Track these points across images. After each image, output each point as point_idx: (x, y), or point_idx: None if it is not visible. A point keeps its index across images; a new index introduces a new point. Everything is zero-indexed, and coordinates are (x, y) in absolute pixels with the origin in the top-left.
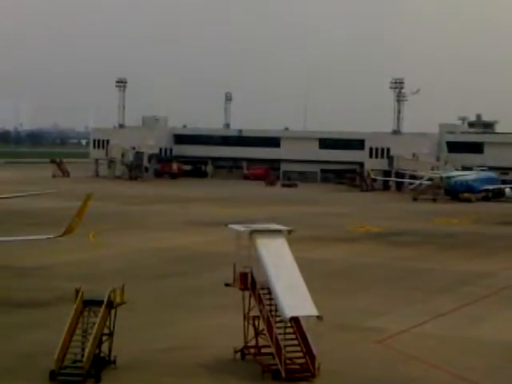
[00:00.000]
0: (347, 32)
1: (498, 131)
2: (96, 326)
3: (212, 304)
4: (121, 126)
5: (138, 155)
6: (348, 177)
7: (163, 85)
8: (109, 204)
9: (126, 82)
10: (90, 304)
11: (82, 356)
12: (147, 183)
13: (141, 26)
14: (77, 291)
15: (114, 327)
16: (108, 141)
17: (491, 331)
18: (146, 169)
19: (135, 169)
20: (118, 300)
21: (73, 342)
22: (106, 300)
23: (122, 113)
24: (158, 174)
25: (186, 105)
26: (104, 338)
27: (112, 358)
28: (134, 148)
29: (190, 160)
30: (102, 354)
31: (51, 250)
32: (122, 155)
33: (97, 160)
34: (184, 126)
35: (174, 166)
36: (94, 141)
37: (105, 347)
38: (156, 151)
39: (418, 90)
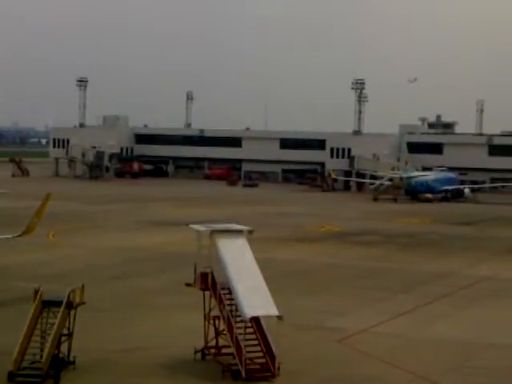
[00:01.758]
0: (309, 32)
1: (457, 132)
2: (55, 326)
3: (173, 304)
4: (81, 125)
5: (99, 155)
6: (309, 177)
7: (125, 84)
8: (69, 204)
9: (86, 81)
10: (49, 304)
11: (41, 357)
12: (108, 183)
13: (103, 24)
14: (36, 291)
15: (73, 328)
16: (68, 140)
17: (450, 330)
18: (107, 168)
19: (96, 168)
20: (77, 300)
21: (31, 343)
22: (65, 300)
23: (82, 112)
24: (119, 174)
25: (147, 104)
26: (63, 338)
27: (71, 359)
28: (94, 147)
29: (151, 159)
30: (61, 355)
31: (9, 250)
32: (83, 155)
33: (57, 159)
34: (145, 126)
35: (135, 166)
36: (54, 140)
37: (64, 348)
38: (117, 151)
39: (415, 79)
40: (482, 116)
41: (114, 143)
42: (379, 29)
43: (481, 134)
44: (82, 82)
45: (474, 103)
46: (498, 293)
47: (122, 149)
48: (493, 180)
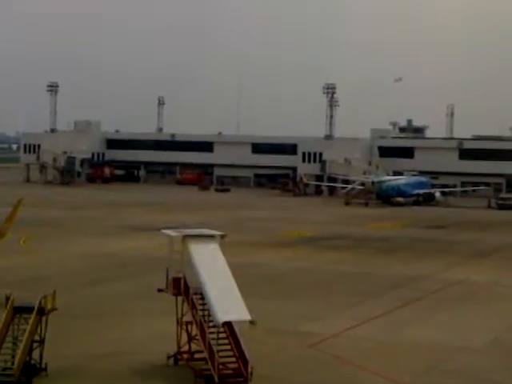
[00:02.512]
0: (281, 36)
1: (428, 136)
2: (26, 332)
3: (145, 310)
4: (52, 130)
5: (70, 160)
6: (281, 181)
7: (96, 89)
8: (40, 209)
9: (57, 86)
10: (20, 311)
11: (13, 363)
12: (79, 188)
13: (75, 30)
14: (7, 298)
15: (45, 334)
16: (39, 145)
17: (422, 334)
18: (78, 173)
19: (67, 174)
20: (49, 306)
21: (3, 350)
22: (36, 306)
23: (53, 117)
24: (91, 179)
25: (119, 109)
26: (35, 344)
27: (43, 365)
28: (65, 153)
29: (122, 165)
30: (32, 362)
31: None
32: (54, 160)
33: (28, 165)
34: (117, 131)
35: (107, 171)
36: (25, 145)
37: (36, 354)
38: (88, 156)
39: (400, 78)
40: (452, 120)
41: (84, 148)
42: (350, 33)
43: (451, 138)
44: (53, 87)
45: (445, 108)
46: (470, 296)
47: (93, 154)
48: (463, 184)
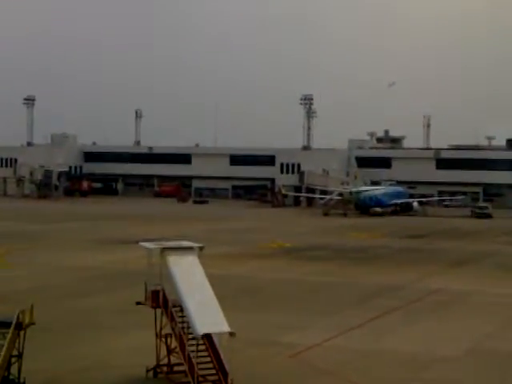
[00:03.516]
0: (257, 47)
1: (405, 146)
2: (4, 347)
3: (124, 323)
4: (29, 143)
5: (47, 173)
6: (259, 193)
7: (73, 102)
8: (18, 223)
9: (34, 100)
10: None
11: None
12: (57, 201)
13: (49, 42)
14: None
15: (23, 348)
16: (16, 159)
17: (401, 343)
18: (56, 187)
19: (44, 187)
20: (27, 321)
21: None
22: (14, 321)
23: (30, 130)
24: (68, 192)
25: (96, 122)
26: (13, 359)
27: (22, 380)
28: (42, 166)
29: (100, 178)
30: (11, 377)
31: None
32: (31, 173)
33: (5, 179)
34: (94, 144)
35: (84, 184)
36: (2, 159)
37: (14, 369)
38: (65, 169)
39: (393, 83)
40: (429, 130)
41: (61, 162)
42: (328, 45)
43: (428, 148)
44: (29, 101)
45: (421, 118)
46: (448, 305)
47: (70, 167)
48: (440, 193)
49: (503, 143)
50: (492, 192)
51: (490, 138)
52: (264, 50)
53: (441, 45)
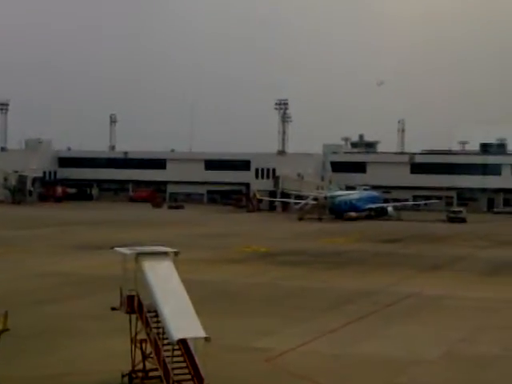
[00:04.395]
0: (232, 51)
1: (379, 151)
2: None
3: (99, 329)
4: (3, 149)
5: (21, 179)
6: (234, 198)
7: (47, 107)
8: None
9: (7, 105)
10: None
11: None
12: (31, 207)
13: (24, 44)
14: None
15: None
16: None
17: (377, 347)
18: (30, 192)
19: (18, 193)
20: (0, 327)
21: None
22: None
23: (3, 136)
24: (43, 198)
25: (70, 127)
26: None
27: None
28: (16, 171)
29: (75, 183)
30: None
31: None
32: (5, 179)
33: None
34: (68, 149)
35: (59, 190)
36: None
37: None
38: (40, 174)
39: (382, 82)
40: (403, 135)
41: (36, 167)
42: (302, 50)
43: (403, 153)
44: (3, 106)
45: (396, 123)
46: (423, 309)
47: (44, 172)
48: (415, 197)
49: (477, 148)
50: (466, 196)
51: (463, 143)
52: (239, 53)
53: (414, 49)
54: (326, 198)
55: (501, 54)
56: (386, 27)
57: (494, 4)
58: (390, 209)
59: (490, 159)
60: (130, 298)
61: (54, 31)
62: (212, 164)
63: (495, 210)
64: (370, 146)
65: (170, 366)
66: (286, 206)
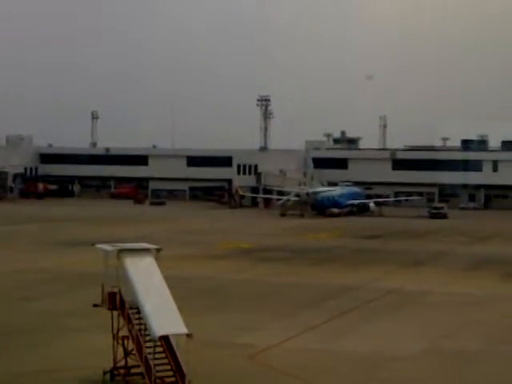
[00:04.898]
0: (214, 46)
1: (361, 147)
2: None
3: (80, 325)
4: None
5: (2, 175)
6: (216, 194)
7: (29, 103)
8: None
9: None
10: None
11: None
12: (12, 203)
13: (4, 42)
14: None
15: None
16: None
17: (358, 344)
18: (11, 189)
19: None
20: None
21: None
22: None
23: None
24: (24, 194)
25: (52, 124)
26: None
27: None
28: None
29: (56, 179)
30: None
31: None
32: None
33: None
34: (50, 145)
35: (40, 186)
36: None
37: None
38: (21, 171)
39: (371, 76)
40: (385, 131)
41: (17, 163)
42: (284, 46)
43: (384, 149)
44: None
45: (378, 119)
46: (404, 305)
47: (25, 169)
48: (397, 194)
49: (458, 144)
50: (447, 192)
51: (444, 139)
52: (221, 49)
53: (396, 46)
54: (308, 194)
55: (483, 50)
56: (369, 24)
57: (476, 0)
58: (371, 205)
59: (471, 155)
60: (112, 295)
61: (34, 25)
62: (194, 160)
63: (461, 205)
64: (352, 143)
65: (151, 363)
66: (268, 202)
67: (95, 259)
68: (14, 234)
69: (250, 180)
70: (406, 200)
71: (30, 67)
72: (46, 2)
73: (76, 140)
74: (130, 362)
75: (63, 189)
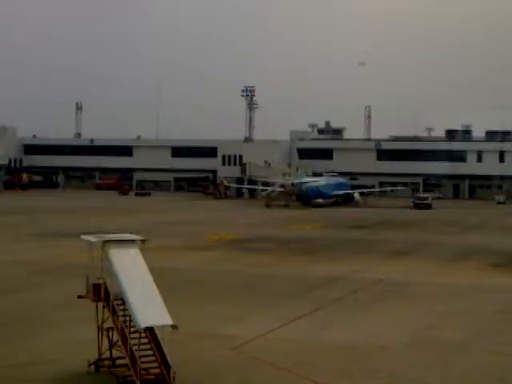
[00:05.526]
0: (200, 38)
1: (346, 137)
2: None
3: (65, 317)
4: None
5: None
6: (201, 185)
7: (12, 94)
8: None
9: None
10: None
11: None
12: None
13: None
14: None
15: None
16: None
17: (344, 334)
18: None
19: None
20: None
21: None
22: None
23: None
24: (8, 186)
25: (36, 114)
26: None
27: None
28: None
29: (40, 170)
30: None
31: None
32: None
33: None
34: (34, 136)
35: (24, 177)
36: None
37: None
38: (5, 162)
39: (363, 63)
40: (369, 121)
41: (1, 154)
42: (269, 37)
43: (369, 140)
44: None
45: (362, 109)
46: (389, 295)
47: (10, 160)
48: (382, 184)
49: (442, 134)
50: (432, 183)
51: (429, 129)
52: (206, 40)
53: (381, 36)
54: (293, 184)
55: (468, 42)
56: (354, 15)
57: None
58: (356, 195)
59: (456, 146)
60: (97, 286)
61: (18, 18)
62: (179, 151)
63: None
64: (337, 133)
65: (137, 354)
66: (253, 193)
67: (80, 250)
68: None
69: (234, 171)
70: (391, 190)
71: (14, 59)
72: None
73: (60, 131)
74: (115, 353)
75: (48, 180)
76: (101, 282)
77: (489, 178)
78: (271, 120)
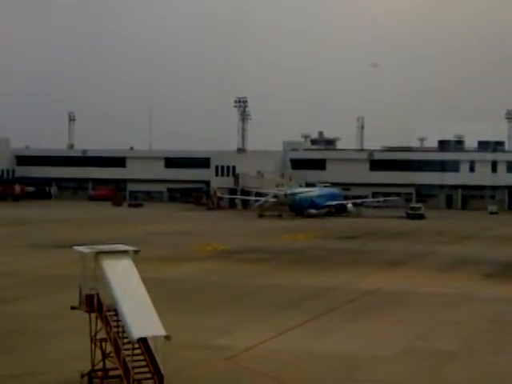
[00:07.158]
0: (191, 50)
1: (339, 148)
2: None
3: (58, 328)
4: None
5: None
6: (194, 195)
7: (4, 104)
8: None
9: None
10: None
11: None
12: None
13: None
14: None
15: None
16: None
17: (337, 344)
18: None
19: None
20: None
21: None
22: None
23: None
24: (0, 197)
25: (29, 126)
26: None
27: None
28: None
29: (33, 182)
30: None
31: None
32: None
33: None
34: (27, 147)
35: (17, 188)
36: None
37: None
38: None
39: (375, 64)
40: (362, 132)
41: None
42: (262, 47)
43: (362, 150)
44: None
45: (355, 120)
46: (381, 306)
47: (2, 171)
48: (375, 194)
49: (435, 144)
50: (424, 193)
51: (421, 140)
52: (198, 50)
53: (373, 46)
54: (286, 195)
55: (460, 52)
56: (346, 25)
57: (452, 2)
58: (349, 206)
59: (448, 156)
60: (90, 297)
61: (9, 23)
62: (172, 162)
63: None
64: (330, 143)
65: (130, 365)
66: (246, 204)
67: (73, 261)
68: None
69: (227, 181)
70: (384, 201)
71: (6, 68)
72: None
73: (53, 142)
74: (108, 364)
75: (40, 191)
76: (94, 292)
77: (481, 188)
78: (264, 131)
